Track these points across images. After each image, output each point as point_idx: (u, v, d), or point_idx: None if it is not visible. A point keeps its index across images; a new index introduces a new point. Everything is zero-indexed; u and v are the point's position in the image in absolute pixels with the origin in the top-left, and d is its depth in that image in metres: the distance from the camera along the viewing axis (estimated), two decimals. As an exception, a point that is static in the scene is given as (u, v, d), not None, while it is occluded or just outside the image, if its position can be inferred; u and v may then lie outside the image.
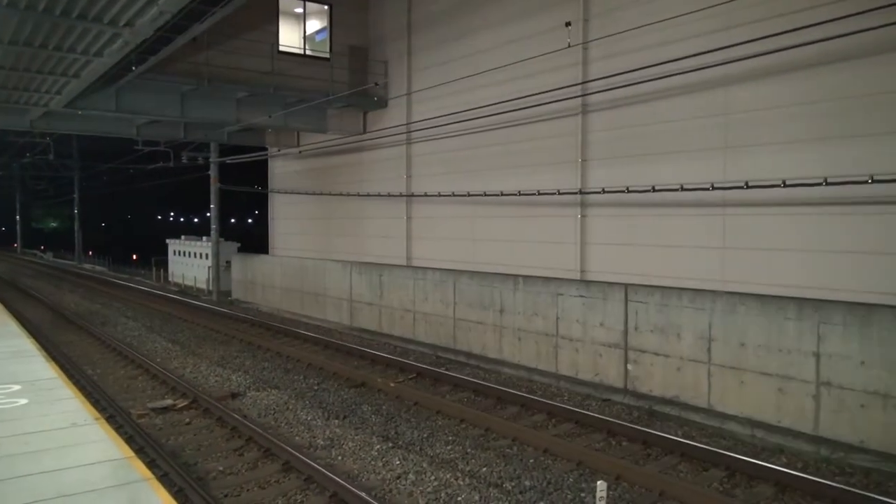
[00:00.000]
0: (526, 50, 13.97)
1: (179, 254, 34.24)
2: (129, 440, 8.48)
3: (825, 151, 9.82)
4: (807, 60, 9.71)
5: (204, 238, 31.71)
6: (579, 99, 13.14)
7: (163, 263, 36.65)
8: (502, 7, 15.34)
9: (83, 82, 13.38)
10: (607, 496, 6.16)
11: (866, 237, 9.41)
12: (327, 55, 18.87)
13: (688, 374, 10.29)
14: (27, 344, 12.55)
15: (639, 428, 9.28)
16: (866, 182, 8.92)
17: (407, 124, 18.02)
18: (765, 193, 10.33)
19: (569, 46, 12.18)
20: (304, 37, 19.02)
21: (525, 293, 13.15)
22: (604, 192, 12.75)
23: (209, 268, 28.13)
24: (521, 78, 14.13)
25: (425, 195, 17.61)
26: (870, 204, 9.30)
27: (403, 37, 18.56)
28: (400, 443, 9.10)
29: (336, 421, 10.06)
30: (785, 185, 9.78)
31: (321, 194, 21.94)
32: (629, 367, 11.17)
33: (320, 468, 7.68)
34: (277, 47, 17.55)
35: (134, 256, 51.96)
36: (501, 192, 15.05)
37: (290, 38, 18.49)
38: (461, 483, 7.65)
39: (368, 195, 19.79)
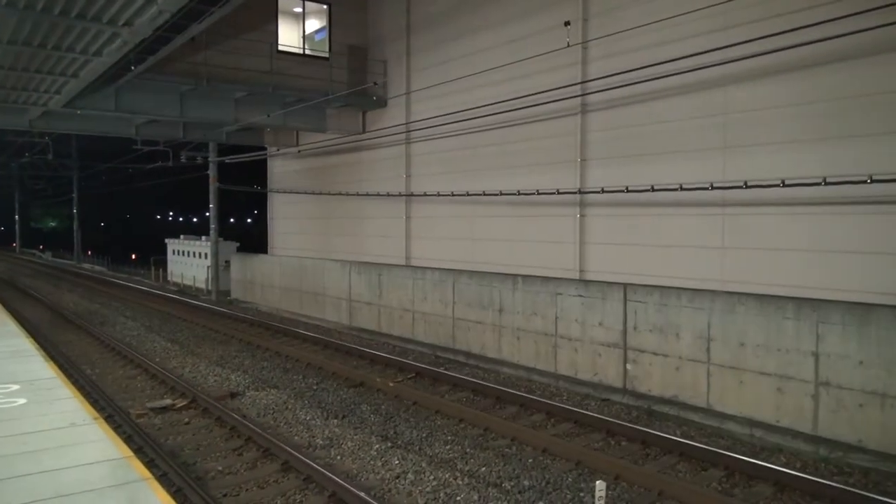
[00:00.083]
0: (525, 49, 13.98)
1: (178, 253, 34.21)
2: (128, 440, 8.48)
3: (824, 151, 9.83)
4: (805, 60, 9.72)
5: (203, 238, 31.69)
6: (578, 98, 13.14)
7: (162, 263, 36.63)
8: (502, 7, 15.34)
9: (82, 82, 13.37)
10: (606, 496, 6.16)
11: (865, 237, 9.42)
12: (326, 55, 18.86)
13: (687, 373, 10.30)
14: (26, 343, 12.54)
15: (638, 427, 9.28)
16: (865, 182, 8.93)
17: (406, 124, 18.02)
18: (764, 193, 10.34)
19: (568, 46, 12.18)
20: (304, 36, 19.02)
21: (524, 293, 13.15)
22: (603, 191, 12.75)
23: (208, 267, 28.12)
24: (521, 77, 14.13)
25: (424, 195, 17.61)
26: (869, 204, 9.31)
27: (402, 36, 18.56)
28: (399, 442, 9.10)
29: (335, 420, 10.06)
30: (784, 185, 9.79)
31: (320, 194, 21.93)
32: (628, 366, 11.18)
33: (319, 468, 7.68)
34: (276, 47, 17.54)
35: (133, 256, 51.91)
36: (500, 192, 15.05)
37: (289, 37, 18.49)
38: (460, 483, 7.65)
39: (367, 195, 19.78)
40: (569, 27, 12.28)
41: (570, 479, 7.78)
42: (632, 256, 12.59)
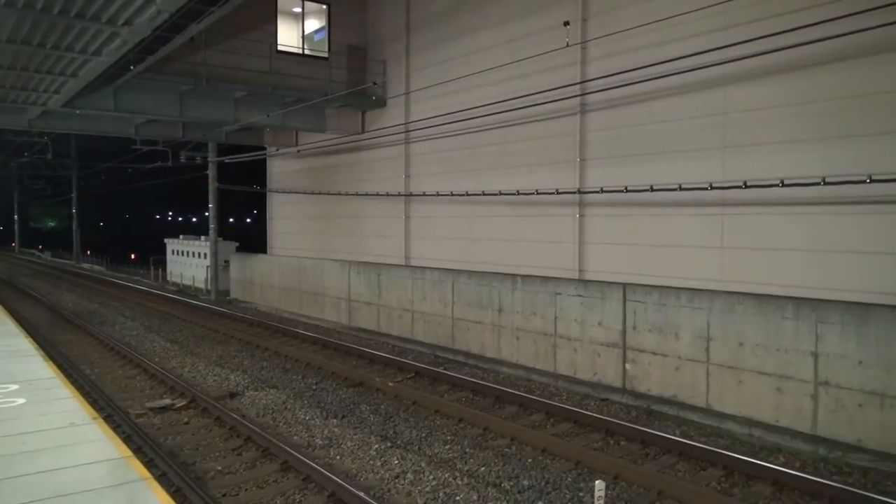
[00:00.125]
0: (525, 49, 13.99)
1: (178, 253, 34.20)
2: (127, 439, 8.46)
3: (823, 151, 9.84)
4: (805, 60, 9.72)
5: (202, 237, 31.68)
6: (578, 98, 13.14)
7: (161, 263, 36.61)
8: (501, 6, 15.34)
9: (81, 81, 13.36)
10: (605, 495, 6.16)
11: (864, 237, 9.42)
12: (326, 55, 18.86)
13: (686, 373, 10.30)
14: (25, 343, 12.54)
15: (637, 427, 9.29)
16: (864, 182, 8.94)
17: (405, 124, 18.02)
18: (763, 193, 10.34)
19: (567, 46, 12.18)
20: (303, 36, 19.02)
21: (523, 293, 13.15)
22: (602, 191, 12.75)
23: (207, 267, 28.11)
24: (520, 77, 14.14)
25: (424, 195, 17.61)
26: (868, 203, 9.32)
27: (402, 36, 18.56)
28: (398, 442, 9.10)
29: (334, 420, 10.06)
30: (783, 185, 9.80)
31: (319, 194, 21.93)
32: (627, 366, 11.18)
33: (319, 468, 7.68)
34: (276, 47, 17.54)
35: (132, 256, 51.87)
36: (500, 192, 15.05)
37: (288, 37, 18.49)
38: (459, 482, 7.65)
39: (367, 194, 19.78)
40: (568, 27, 12.28)
41: (569, 479, 7.78)
42: (631, 256, 12.59)
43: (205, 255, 29.21)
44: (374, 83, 18.35)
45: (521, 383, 12.42)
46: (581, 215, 13.56)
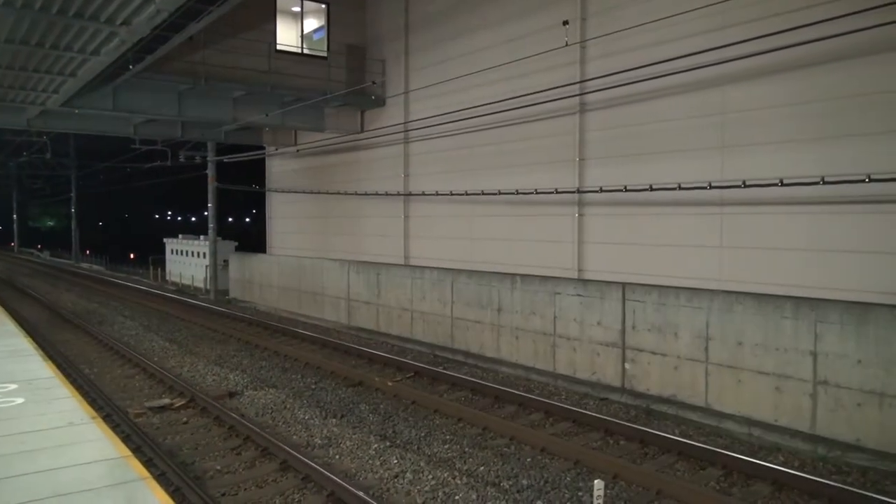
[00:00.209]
0: (524, 49, 13.98)
1: (177, 253, 34.18)
2: (126, 439, 8.45)
3: (821, 151, 9.84)
4: (801, 60, 9.72)
5: (201, 237, 31.66)
6: (577, 98, 13.14)
7: (160, 262, 36.58)
8: (500, 6, 15.33)
9: (80, 81, 13.35)
10: (605, 495, 6.17)
11: (863, 236, 9.43)
12: (325, 54, 18.85)
13: (685, 372, 10.30)
14: (24, 343, 12.53)
15: (636, 427, 9.29)
16: (863, 181, 8.94)
17: (404, 123, 18.01)
18: (762, 192, 10.35)
19: (566, 45, 12.18)
20: (302, 35, 19.01)
21: (523, 292, 13.15)
22: (601, 191, 12.75)
23: (207, 267, 28.10)
24: (519, 77, 14.14)
25: (423, 194, 17.60)
26: (867, 203, 9.32)
27: (401, 36, 18.55)
28: (398, 442, 9.10)
29: (334, 420, 10.06)
30: (783, 184, 9.80)
31: (319, 193, 21.92)
32: (626, 365, 11.18)
33: (318, 467, 7.68)
34: (275, 46, 17.53)
35: (131, 255, 51.84)
36: (499, 191, 15.05)
37: (287, 36, 18.48)
38: (459, 482, 7.65)
39: (366, 194, 19.78)
40: (567, 26, 12.28)
41: (568, 479, 7.79)
42: (630, 256, 12.59)
43: (204, 254, 29.20)
44: (373, 83, 18.34)
45: (520, 383, 12.42)
46: (580, 215, 13.56)
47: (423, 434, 9.41)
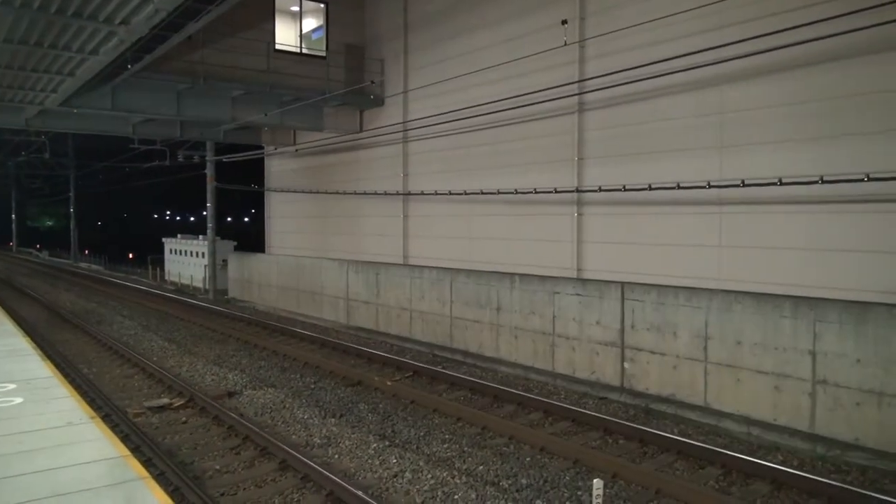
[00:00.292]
0: (522, 48, 13.98)
1: (176, 252, 34.16)
2: (125, 439, 8.44)
3: (819, 150, 9.84)
4: (798, 60, 9.73)
5: (200, 237, 31.64)
6: (576, 97, 13.14)
7: (159, 262, 36.56)
8: (499, 5, 15.33)
9: (78, 80, 13.33)
10: (604, 494, 6.17)
11: (862, 235, 9.43)
12: (324, 53, 18.84)
13: (684, 372, 10.31)
14: (23, 343, 12.52)
15: (635, 426, 9.29)
16: (862, 180, 8.94)
17: (403, 123, 18.00)
18: (761, 192, 10.35)
19: (565, 45, 12.18)
20: (301, 35, 18.99)
21: (522, 291, 13.15)
22: (600, 190, 12.76)
23: (206, 266, 28.09)
24: (518, 76, 14.13)
25: (422, 193, 17.60)
26: (866, 202, 9.32)
27: (400, 35, 18.54)
28: (397, 441, 9.10)
29: (333, 419, 10.06)
30: (781, 184, 9.81)
31: (318, 193, 21.91)
32: (626, 365, 11.18)
33: (317, 467, 7.68)
34: (274, 45, 17.51)
35: (130, 255, 51.80)
36: (498, 191, 15.05)
37: (286, 36, 18.46)
38: (458, 481, 7.65)
39: (365, 193, 19.77)
40: (566, 26, 12.29)
41: (567, 478, 7.79)
42: (629, 255, 12.59)
43: (203, 254, 29.18)
44: (372, 82, 18.33)
45: (519, 382, 12.42)
46: (579, 214, 13.56)
47: (422, 433, 9.41)
